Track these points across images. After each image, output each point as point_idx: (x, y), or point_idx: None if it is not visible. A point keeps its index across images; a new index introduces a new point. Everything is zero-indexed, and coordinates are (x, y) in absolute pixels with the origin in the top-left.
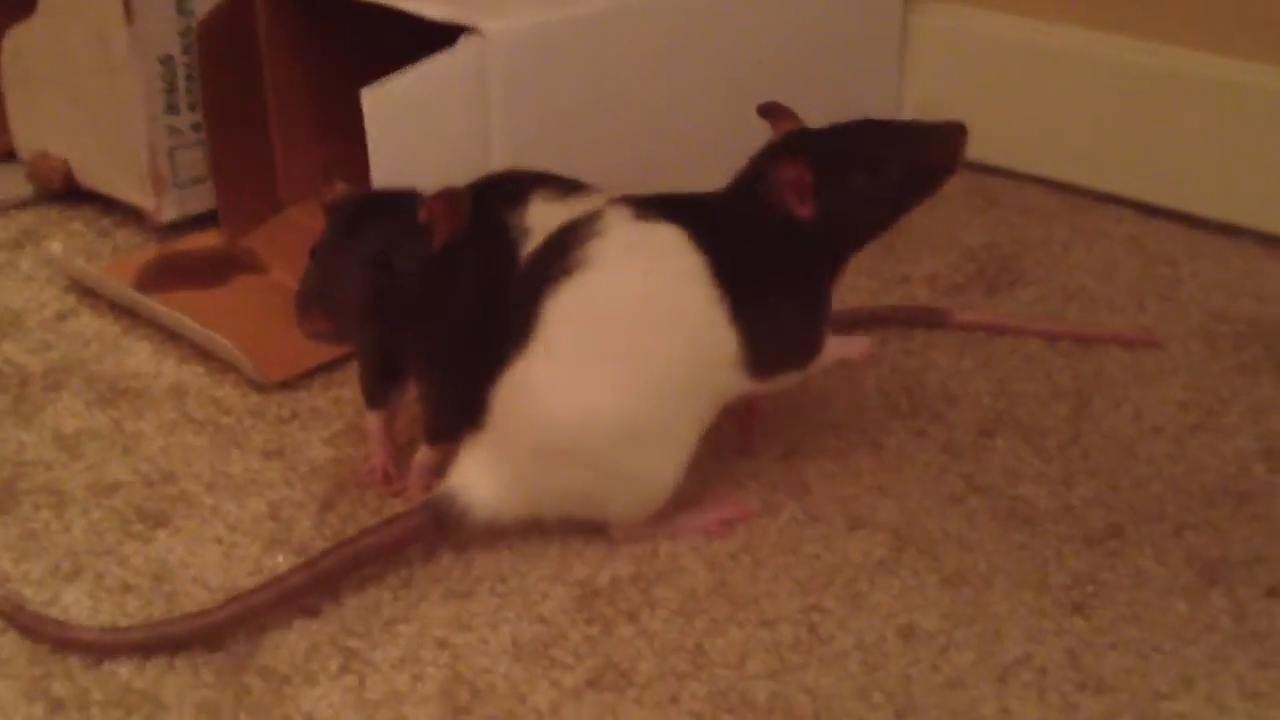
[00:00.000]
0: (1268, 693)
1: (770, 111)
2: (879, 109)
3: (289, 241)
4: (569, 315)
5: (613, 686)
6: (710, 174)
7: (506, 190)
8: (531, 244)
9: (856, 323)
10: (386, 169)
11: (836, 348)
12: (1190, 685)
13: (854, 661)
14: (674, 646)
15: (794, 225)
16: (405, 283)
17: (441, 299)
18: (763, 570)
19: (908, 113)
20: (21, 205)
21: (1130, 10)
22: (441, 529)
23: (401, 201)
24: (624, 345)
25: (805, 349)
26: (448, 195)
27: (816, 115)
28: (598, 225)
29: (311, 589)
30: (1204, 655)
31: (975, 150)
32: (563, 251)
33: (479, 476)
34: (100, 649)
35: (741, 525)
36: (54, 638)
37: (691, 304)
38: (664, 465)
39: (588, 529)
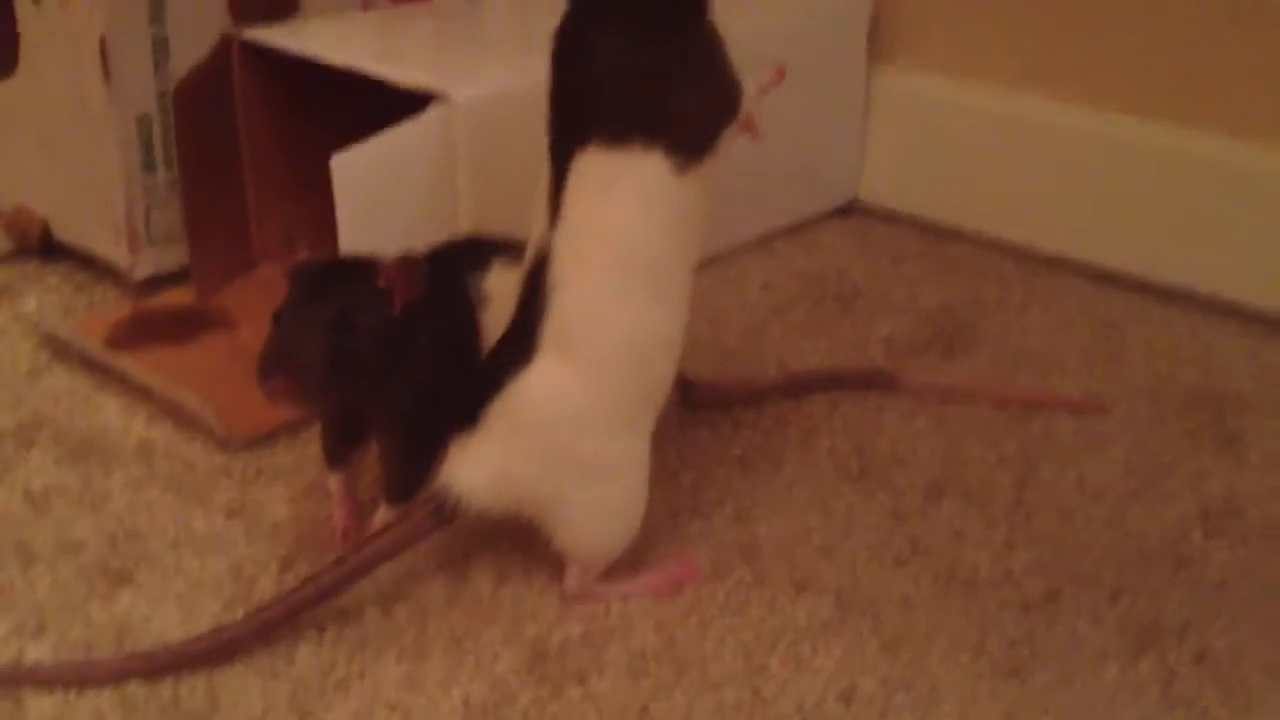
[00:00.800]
0: None
1: None
2: (844, 169)
3: (260, 299)
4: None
5: None
6: None
7: (468, 255)
8: (491, 309)
9: (807, 385)
10: (355, 232)
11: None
12: None
13: None
14: (620, 708)
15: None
16: (365, 346)
17: (400, 362)
18: (710, 632)
19: (867, 174)
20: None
21: (1085, 80)
22: (441, 522)
23: (362, 267)
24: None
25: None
26: (405, 261)
27: (787, 175)
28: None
29: (320, 601)
30: None
31: (936, 213)
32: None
33: (471, 469)
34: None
35: (691, 586)
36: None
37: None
38: (632, 497)
39: (541, 590)
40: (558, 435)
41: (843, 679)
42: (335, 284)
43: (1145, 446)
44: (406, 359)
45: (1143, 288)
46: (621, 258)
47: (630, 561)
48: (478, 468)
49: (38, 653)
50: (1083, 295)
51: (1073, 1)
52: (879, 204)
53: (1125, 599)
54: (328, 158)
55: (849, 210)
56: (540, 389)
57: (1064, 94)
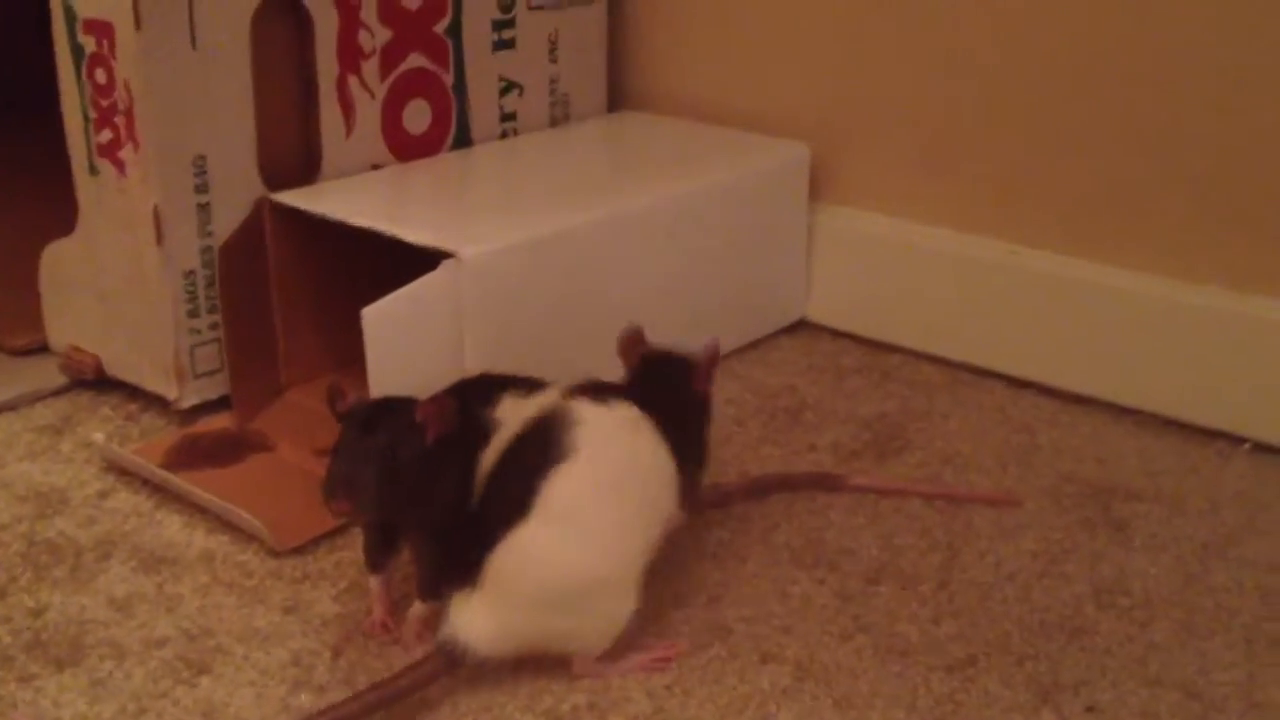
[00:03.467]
0: None
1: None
2: (793, 293)
3: (292, 421)
4: (559, 497)
5: None
6: None
7: (481, 391)
8: (502, 434)
9: (766, 487)
10: (383, 370)
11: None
12: None
13: None
14: None
15: (693, 397)
16: (407, 471)
17: (434, 483)
18: (691, 699)
19: (813, 297)
20: (57, 393)
21: (993, 217)
22: (451, 666)
23: (401, 406)
24: (612, 508)
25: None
26: (439, 401)
27: (743, 299)
28: (575, 417)
29: None
30: None
31: (874, 331)
32: (548, 443)
33: (475, 623)
34: None
35: (675, 662)
36: None
37: (656, 464)
38: (625, 604)
39: (553, 667)
40: (553, 587)
41: None
42: (381, 422)
43: (1049, 535)
44: (438, 480)
45: (1049, 394)
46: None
47: (626, 644)
48: (478, 620)
49: None
50: (999, 401)
51: (981, 151)
52: (823, 323)
53: (1030, 663)
54: (345, 296)
55: (798, 328)
56: (534, 547)
57: (975, 228)
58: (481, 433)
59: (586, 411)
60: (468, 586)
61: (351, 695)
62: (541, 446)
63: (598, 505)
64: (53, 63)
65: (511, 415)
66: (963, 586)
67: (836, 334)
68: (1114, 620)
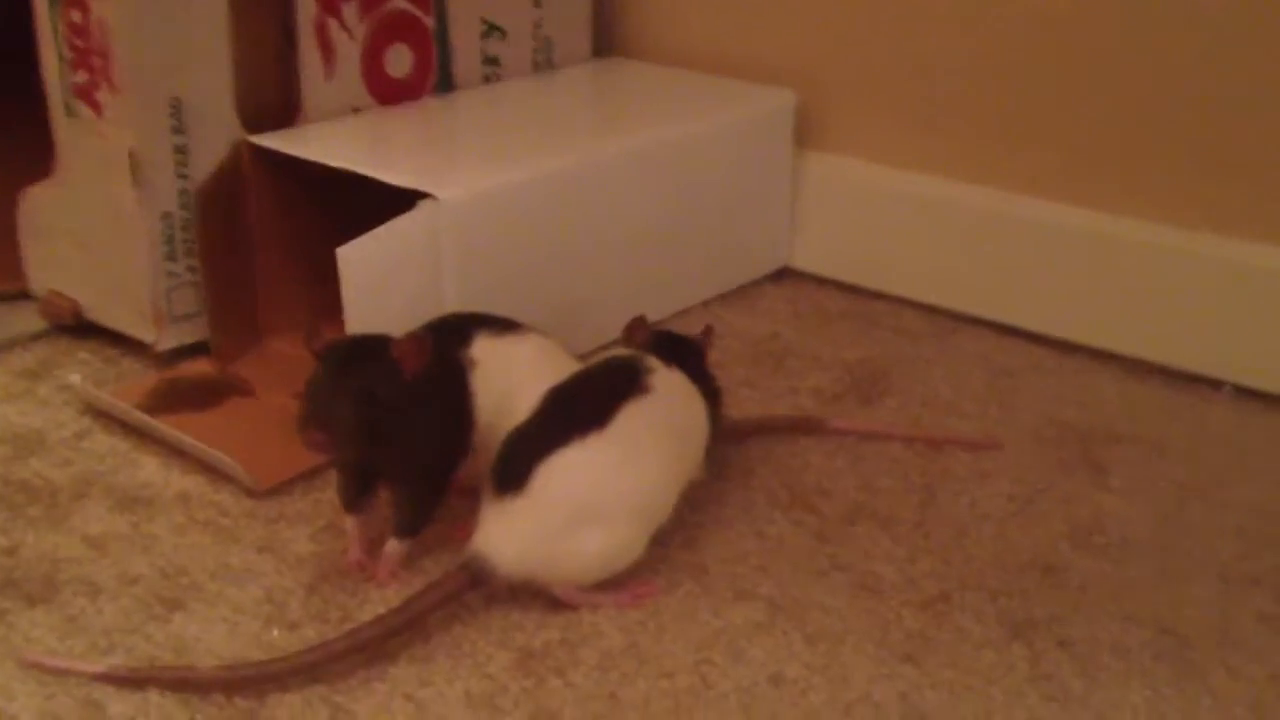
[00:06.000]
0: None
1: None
2: (778, 241)
3: (271, 369)
4: (631, 425)
5: None
6: (626, 309)
7: (455, 330)
8: (477, 372)
9: (749, 430)
10: (358, 311)
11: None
12: (991, 716)
13: (734, 703)
14: (592, 695)
15: (707, 375)
16: (384, 408)
17: (412, 421)
18: (665, 634)
19: (798, 244)
20: (35, 338)
21: (976, 163)
22: (475, 584)
23: (377, 343)
24: (667, 448)
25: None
26: (414, 338)
27: (728, 245)
28: (651, 365)
29: (381, 641)
30: (1004, 693)
31: (858, 278)
32: (629, 377)
33: (505, 540)
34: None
35: (650, 599)
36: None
37: (701, 426)
38: (640, 540)
39: (525, 603)
40: (600, 498)
41: (772, 666)
42: (357, 360)
43: (1027, 476)
44: (416, 418)
45: (1034, 340)
46: None
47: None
48: (512, 536)
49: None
50: (983, 347)
51: (965, 99)
52: (809, 270)
53: (1003, 599)
54: (327, 245)
55: (782, 276)
56: (599, 457)
57: (959, 175)
58: (457, 369)
59: (656, 364)
60: (508, 494)
61: (372, 619)
62: (624, 380)
63: (656, 442)
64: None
65: (484, 353)
66: (938, 527)
67: (821, 281)
68: (1089, 559)
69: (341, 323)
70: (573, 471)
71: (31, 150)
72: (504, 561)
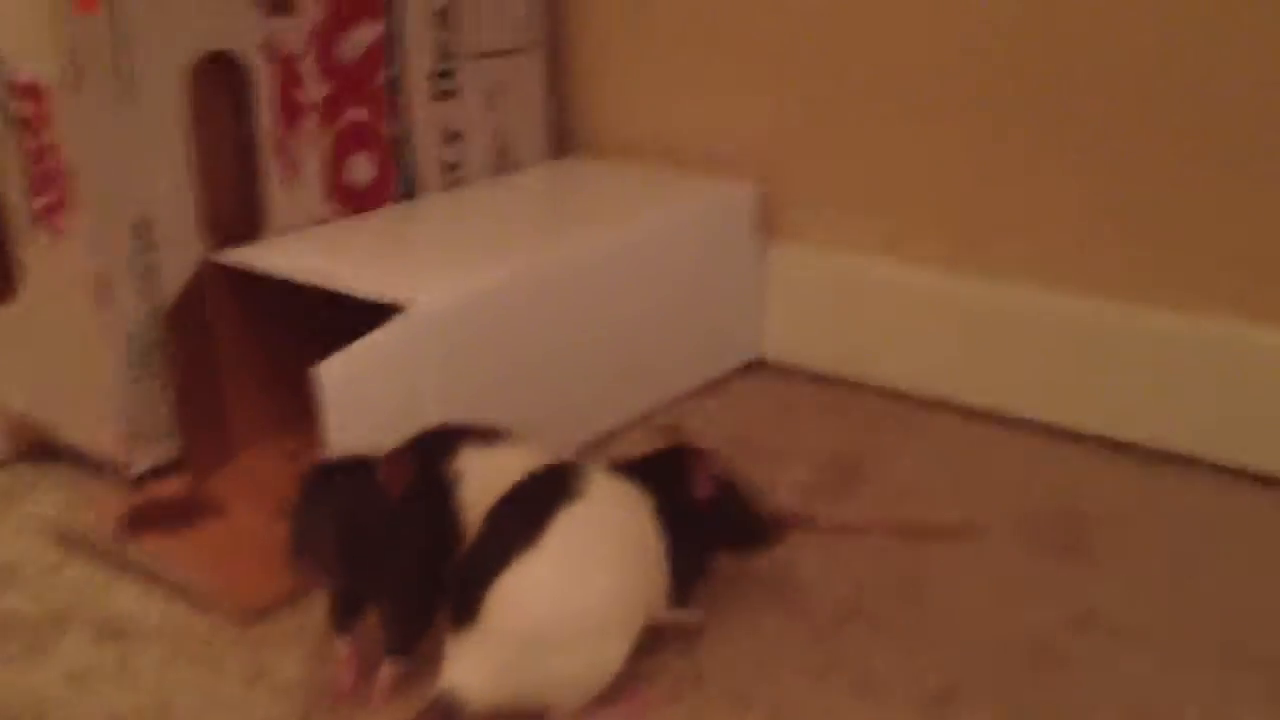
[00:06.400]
0: None
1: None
2: (747, 336)
3: (245, 482)
4: (566, 534)
5: None
6: (607, 412)
7: (440, 443)
8: (463, 485)
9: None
10: (338, 425)
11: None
12: None
13: None
14: None
15: (694, 503)
16: (369, 531)
17: (397, 541)
18: None
19: (768, 334)
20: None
21: (938, 247)
22: (450, 718)
23: (359, 465)
24: (611, 558)
25: (683, 593)
26: (396, 459)
27: (698, 342)
28: (582, 471)
29: None
30: None
31: (830, 366)
32: (559, 484)
33: (471, 672)
34: None
35: (648, 714)
36: None
37: (651, 544)
38: (616, 655)
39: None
40: (553, 621)
41: None
42: (340, 483)
43: (1013, 563)
44: (402, 537)
45: (1005, 423)
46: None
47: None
48: (475, 667)
49: None
50: (954, 432)
51: (931, 185)
52: (780, 360)
53: (1007, 696)
54: (295, 353)
55: (754, 367)
56: (539, 579)
57: (921, 259)
58: (443, 486)
59: (596, 472)
60: (464, 626)
61: None
62: (551, 488)
63: (601, 551)
64: None
65: (470, 465)
66: (932, 619)
67: (792, 371)
68: (1087, 649)
69: (313, 430)
70: (519, 596)
71: None
72: (473, 694)
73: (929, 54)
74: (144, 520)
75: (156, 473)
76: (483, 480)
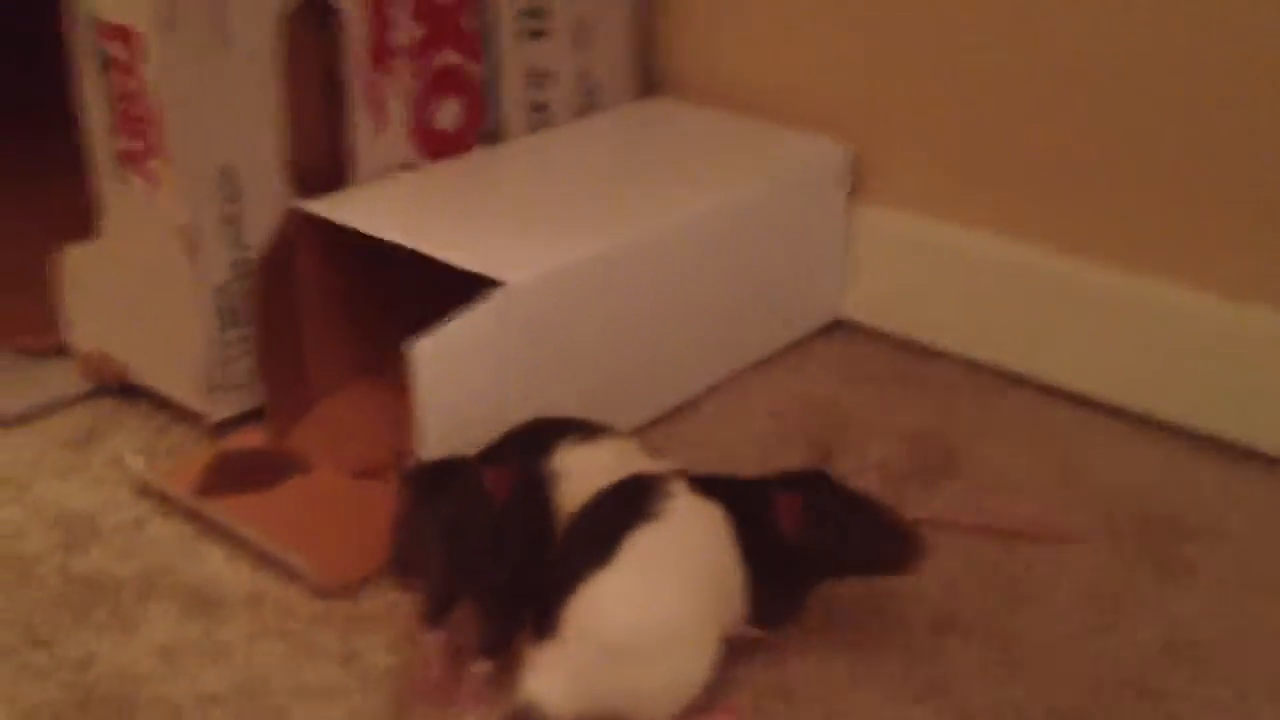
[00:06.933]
0: None
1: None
2: (829, 297)
3: (325, 435)
4: (644, 551)
5: None
6: (689, 380)
7: (537, 441)
8: (561, 487)
9: None
10: (431, 405)
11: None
12: None
13: None
14: None
15: (782, 537)
16: (473, 540)
17: (499, 546)
18: None
19: (850, 296)
20: (76, 400)
21: (1032, 219)
22: None
23: (465, 471)
24: (681, 578)
25: (775, 621)
26: (506, 471)
27: (781, 303)
28: (666, 488)
29: None
30: None
31: (910, 333)
32: (638, 502)
33: (550, 683)
34: None
35: None
36: None
37: (726, 569)
38: (698, 671)
39: None
40: (629, 634)
41: None
42: (446, 490)
43: (1108, 575)
44: (503, 544)
45: (1103, 409)
46: None
47: (689, 711)
48: (554, 678)
49: None
50: (1052, 417)
51: (1029, 154)
52: (861, 322)
53: None
54: (373, 303)
55: (834, 329)
56: (614, 593)
57: (1014, 232)
58: (542, 487)
59: (679, 488)
60: (544, 638)
61: None
62: (631, 503)
63: (679, 566)
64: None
65: (568, 464)
66: (1027, 638)
67: (873, 334)
68: (1184, 681)
69: (390, 382)
70: (594, 609)
71: (55, 205)
72: (552, 706)
73: (1034, 20)
74: (225, 474)
75: (234, 421)
76: (580, 480)
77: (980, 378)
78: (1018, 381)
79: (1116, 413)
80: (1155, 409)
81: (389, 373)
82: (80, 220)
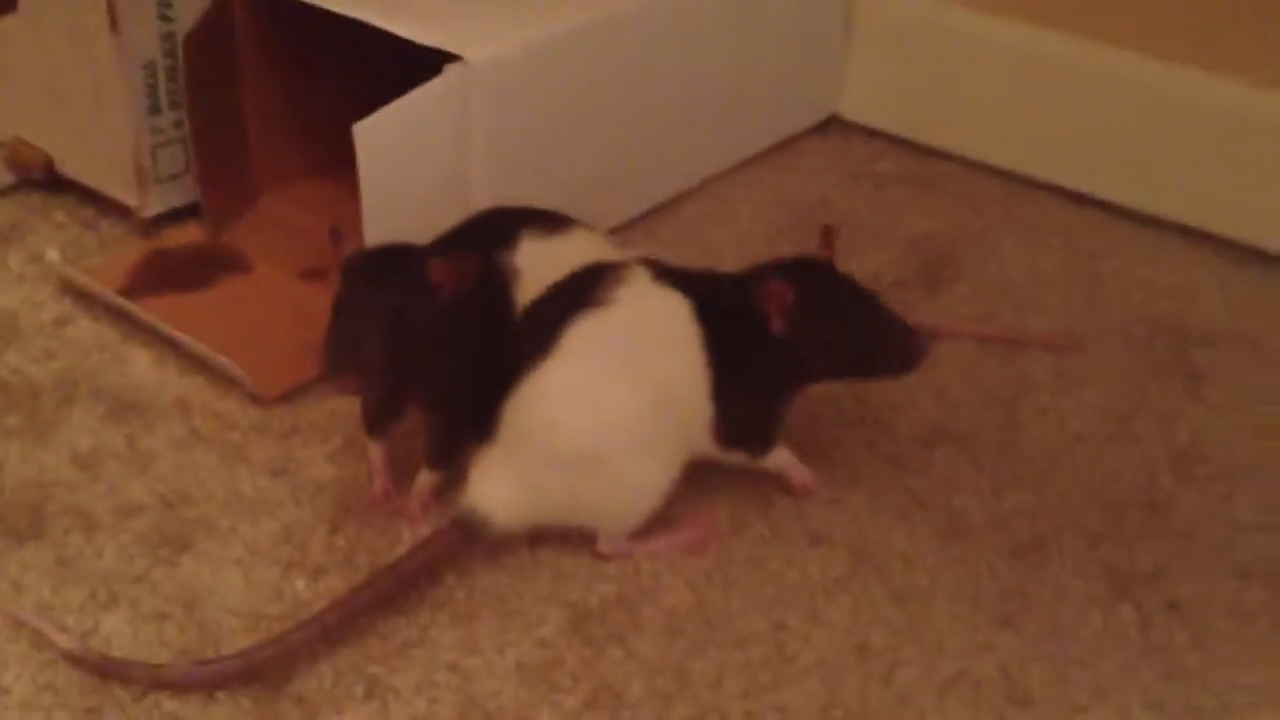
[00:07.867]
0: (1168, 703)
1: (825, 233)
2: (824, 90)
3: (267, 234)
4: (588, 340)
5: (608, 707)
6: (670, 177)
7: (496, 233)
8: (522, 283)
9: None
10: (377, 191)
11: (786, 461)
12: (1103, 698)
13: (816, 679)
14: (659, 668)
15: (768, 334)
16: (418, 336)
17: (447, 345)
18: (734, 589)
19: (848, 91)
20: (0, 194)
21: (1063, 8)
22: (469, 540)
23: (411, 259)
24: (633, 371)
25: (756, 443)
26: (458, 261)
27: (772, 96)
28: (622, 274)
29: (349, 622)
30: (1115, 668)
31: (914, 132)
32: (587, 289)
33: (494, 488)
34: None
35: (713, 544)
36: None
37: (688, 367)
38: (656, 476)
39: (576, 548)
40: (569, 436)
41: (856, 633)
42: (388, 279)
43: (1118, 386)
44: (452, 342)
45: (1120, 214)
46: None
47: (658, 518)
48: (497, 480)
49: (112, 623)
50: (1060, 221)
51: None
52: (857, 120)
53: (1104, 546)
54: (324, 92)
55: (829, 126)
56: (550, 391)
57: (1042, 21)
58: (500, 282)
59: (639, 274)
60: (486, 442)
61: (358, 585)
62: (576, 292)
63: (629, 357)
64: None
65: (531, 260)
66: (1025, 450)
67: (872, 133)
68: (1193, 494)
69: (340, 179)
70: (532, 407)
71: None
72: (496, 512)
73: None
74: (156, 273)
75: (171, 216)
76: (543, 276)
77: (999, 184)
78: (1044, 189)
79: (1153, 223)
80: (1197, 221)
81: (342, 173)
82: None
